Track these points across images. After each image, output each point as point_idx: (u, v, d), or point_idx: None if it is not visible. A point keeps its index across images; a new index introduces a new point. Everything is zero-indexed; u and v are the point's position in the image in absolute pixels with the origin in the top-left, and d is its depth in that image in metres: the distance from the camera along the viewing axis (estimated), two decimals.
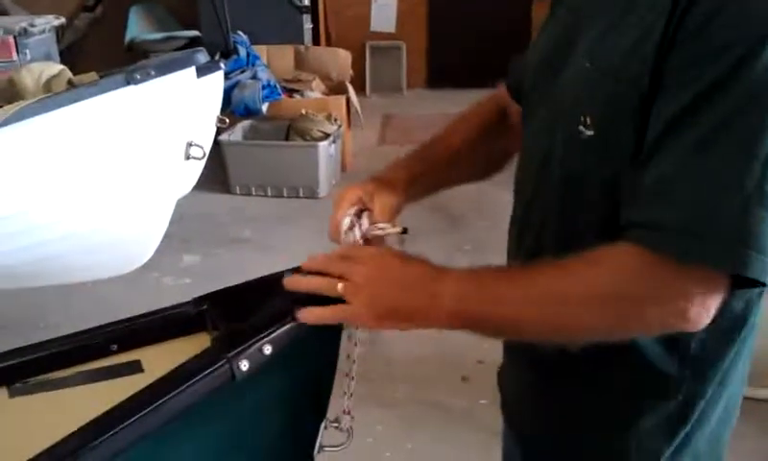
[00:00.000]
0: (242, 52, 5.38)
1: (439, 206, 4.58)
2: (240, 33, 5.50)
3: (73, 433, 0.81)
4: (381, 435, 2.61)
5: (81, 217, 2.65)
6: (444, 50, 7.76)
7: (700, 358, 0.94)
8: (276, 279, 1.07)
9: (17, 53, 4.19)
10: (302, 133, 4.95)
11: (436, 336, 3.29)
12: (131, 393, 0.86)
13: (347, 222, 1.04)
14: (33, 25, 4.36)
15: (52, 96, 2.56)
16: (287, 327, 0.94)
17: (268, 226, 4.52)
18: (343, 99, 5.48)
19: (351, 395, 1.04)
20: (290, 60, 5.93)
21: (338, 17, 7.45)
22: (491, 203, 4.19)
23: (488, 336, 0.98)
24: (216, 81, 3.09)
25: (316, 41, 6.68)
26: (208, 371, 0.88)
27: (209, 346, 0.98)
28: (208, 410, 0.91)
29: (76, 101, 2.47)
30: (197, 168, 3.14)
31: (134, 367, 1.03)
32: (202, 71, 2.90)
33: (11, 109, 2.37)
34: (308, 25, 6.40)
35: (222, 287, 1.10)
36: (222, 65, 3.20)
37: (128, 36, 6.10)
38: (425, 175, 1.18)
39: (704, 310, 0.81)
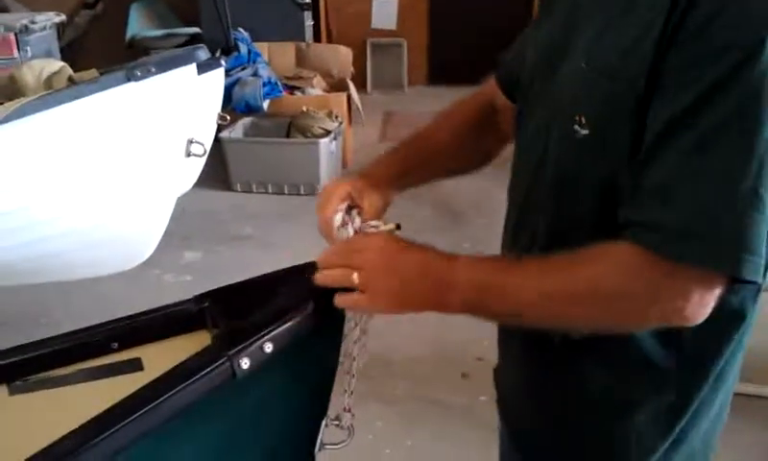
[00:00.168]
0: (243, 49, 5.38)
1: (440, 203, 4.58)
2: (241, 30, 5.50)
3: (73, 431, 0.81)
4: (381, 432, 2.61)
5: (82, 214, 2.65)
6: (445, 47, 7.75)
7: (696, 354, 0.95)
8: (276, 277, 1.07)
9: (18, 50, 4.19)
10: (303, 130, 4.95)
11: (435, 334, 3.29)
12: (131, 391, 0.86)
13: (338, 218, 1.04)
14: (33, 22, 4.36)
15: (53, 93, 2.56)
16: (288, 324, 0.94)
17: (269, 223, 4.52)
18: (344, 96, 5.48)
19: (352, 393, 1.04)
20: (291, 57, 5.93)
21: (339, 14, 7.45)
22: (491, 201, 4.20)
23: (492, 321, 1.03)
24: (217, 78, 3.09)
25: (317, 38, 6.67)
26: (209, 369, 0.88)
27: (210, 344, 0.98)
28: (209, 408, 0.91)
29: (76, 98, 2.46)
30: (198, 165, 3.13)
31: (135, 365, 1.03)
32: (202, 68, 2.89)
33: (11, 105, 2.37)
34: (309, 22, 6.39)
35: (223, 285, 1.10)
36: (223, 62, 3.19)
37: (128, 33, 6.09)
38: (412, 170, 1.20)
39: (701, 307, 0.83)
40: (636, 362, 0.96)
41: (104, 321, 1.08)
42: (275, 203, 4.87)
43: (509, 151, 1.18)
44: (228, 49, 5.30)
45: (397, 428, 2.67)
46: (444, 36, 7.78)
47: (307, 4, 6.23)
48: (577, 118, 0.90)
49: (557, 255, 0.90)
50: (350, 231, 1.04)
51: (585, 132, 0.90)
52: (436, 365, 3.06)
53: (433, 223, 4.23)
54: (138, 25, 6.19)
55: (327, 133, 4.93)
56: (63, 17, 4.84)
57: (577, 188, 0.94)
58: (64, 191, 2.56)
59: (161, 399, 0.85)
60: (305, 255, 1.06)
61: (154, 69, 2.62)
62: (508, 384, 1.20)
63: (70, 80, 2.85)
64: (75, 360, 1.03)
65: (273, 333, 0.93)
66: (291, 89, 5.57)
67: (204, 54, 2.91)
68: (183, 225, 4.08)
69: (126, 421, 0.82)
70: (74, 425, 0.81)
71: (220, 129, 4.10)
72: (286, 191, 4.97)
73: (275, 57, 5.80)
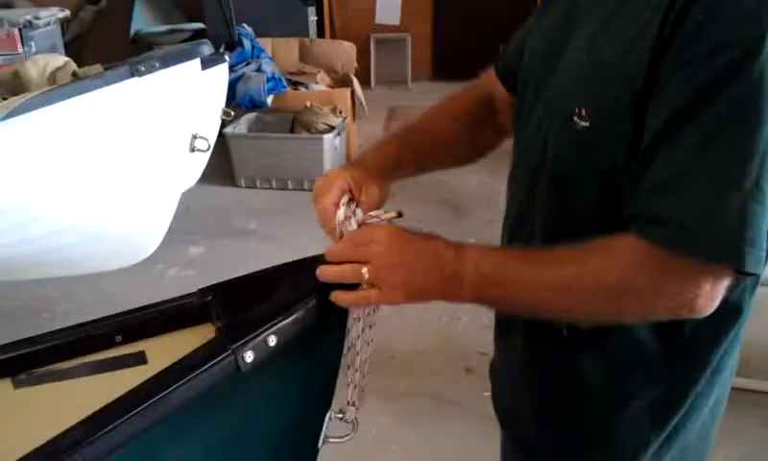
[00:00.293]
0: (247, 44, 5.37)
1: (444, 198, 4.58)
2: (245, 25, 5.49)
3: (78, 424, 0.81)
4: (385, 427, 2.61)
5: (86, 210, 2.66)
6: (450, 42, 7.74)
7: (693, 347, 0.96)
8: (280, 271, 1.07)
9: (22, 45, 4.19)
10: (307, 125, 4.95)
11: (439, 329, 3.28)
12: (135, 384, 0.86)
13: (341, 213, 1.03)
14: (38, 17, 4.36)
15: (57, 88, 2.56)
16: (292, 318, 0.94)
17: (272, 218, 4.52)
18: (348, 92, 5.47)
19: (356, 386, 1.04)
20: (295, 53, 5.93)
21: (343, 10, 7.45)
22: (494, 196, 4.19)
23: (500, 310, 1.04)
24: (221, 73, 3.09)
25: (321, 34, 6.67)
26: (213, 362, 0.88)
27: (214, 337, 0.98)
28: (213, 401, 0.91)
29: (81, 93, 2.46)
30: (202, 160, 3.13)
31: (139, 358, 1.03)
32: (206, 63, 2.89)
33: (16, 101, 2.37)
34: (313, 17, 6.39)
35: (226, 279, 1.10)
36: (226, 58, 3.19)
37: (132, 29, 6.09)
38: (406, 162, 1.19)
39: (711, 300, 0.84)
40: (635, 355, 0.97)
41: (108, 314, 1.08)
42: (278, 198, 4.88)
43: (509, 144, 1.18)
44: (232, 45, 5.29)
45: (401, 423, 2.67)
46: (449, 31, 7.77)
47: None
48: (577, 110, 0.91)
49: (564, 248, 0.89)
50: (354, 225, 1.03)
51: (584, 124, 0.90)
52: (439, 360, 3.06)
53: (436, 218, 4.23)
54: (142, 20, 6.19)
55: (331, 128, 4.93)
56: (67, 13, 4.84)
57: (577, 181, 0.94)
58: (69, 187, 2.56)
59: (165, 392, 0.85)
60: (308, 250, 1.06)
61: (158, 64, 2.62)
62: (504, 377, 1.20)
63: (74, 75, 2.85)
64: (79, 353, 1.03)
65: (277, 327, 0.93)
66: (295, 85, 5.57)
67: (207, 49, 2.91)
68: (188, 220, 4.09)
69: (130, 414, 0.82)
70: (78, 419, 0.81)
71: (224, 124, 4.11)
72: (290, 186, 4.98)
73: (278, 52, 5.80)
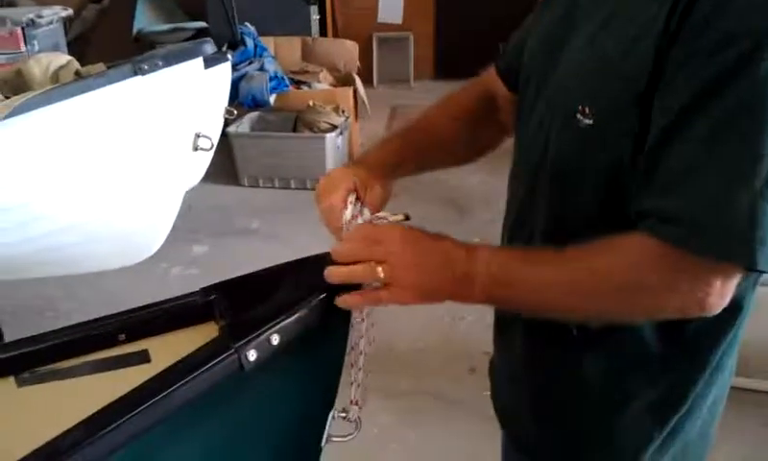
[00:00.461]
0: (249, 43, 5.38)
1: (447, 198, 4.58)
2: (247, 24, 5.50)
3: (81, 422, 0.81)
4: (387, 426, 2.61)
5: (89, 208, 2.66)
6: (452, 41, 7.73)
7: (694, 345, 0.95)
8: (283, 270, 1.06)
9: (25, 44, 4.19)
10: (310, 124, 4.95)
11: (442, 328, 3.28)
12: (138, 383, 0.86)
13: (349, 212, 1.02)
14: (40, 16, 4.36)
15: (60, 87, 2.56)
16: (295, 317, 0.94)
17: (275, 217, 4.53)
18: (350, 90, 5.47)
19: (359, 385, 1.04)
20: (297, 52, 5.93)
21: (345, 8, 7.44)
22: (495, 195, 4.18)
23: (510, 310, 1.03)
24: (223, 72, 3.09)
25: (323, 33, 6.66)
26: (216, 361, 0.88)
27: (217, 336, 0.98)
28: (216, 400, 0.91)
29: (84, 92, 2.46)
30: (205, 159, 3.13)
31: (142, 357, 1.03)
32: (209, 62, 2.89)
33: (18, 99, 2.37)
34: (315, 16, 6.39)
35: (230, 278, 1.10)
36: (229, 56, 3.18)
37: (135, 28, 6.10)
38: (409, 159, 1.19)
39: (722, 298, 0.83)
40: (636, 354, 0.97)
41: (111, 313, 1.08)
42: (281, 197, 4.88)
43: (509, 143, 1.18)
44: (235, 43, 5.30)
45: (403, 422, 2.67)
46: (451, 29, 7.76)
47: None
48: (580, 108, 0.90)
49: (573, 247, 0.89)
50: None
51: (588, 121, 0.90)
52: (442, 359, 3.06)
53: (442, 217, 4.23)
54: (145, 19, 6.19)
55: (334, 127, 4.93)
56: (70, 11, 4.84)
57: (578, 179, 0.94)
58: (72, 186, 2.56)
59: (169, 390, 0.85)
60: (311, 249, 1.06)
61: (161, 63, 2.62)
62: (503, 376, 1.21)
63: (77, 74, 2.85)
64: (82, 352, 1.03)
65: (280, 325, 0.92)
66: (297, 84, 5.57)
67: (210, 48, 2.91)
68: (191, 219, 4.09)
69: (133, 413, 0.82)
70: (81, 417, 0.81)
71: (227, 123, 4.11)
72: (293, 185, 4.98)
73: (281, 51, 5.80)
